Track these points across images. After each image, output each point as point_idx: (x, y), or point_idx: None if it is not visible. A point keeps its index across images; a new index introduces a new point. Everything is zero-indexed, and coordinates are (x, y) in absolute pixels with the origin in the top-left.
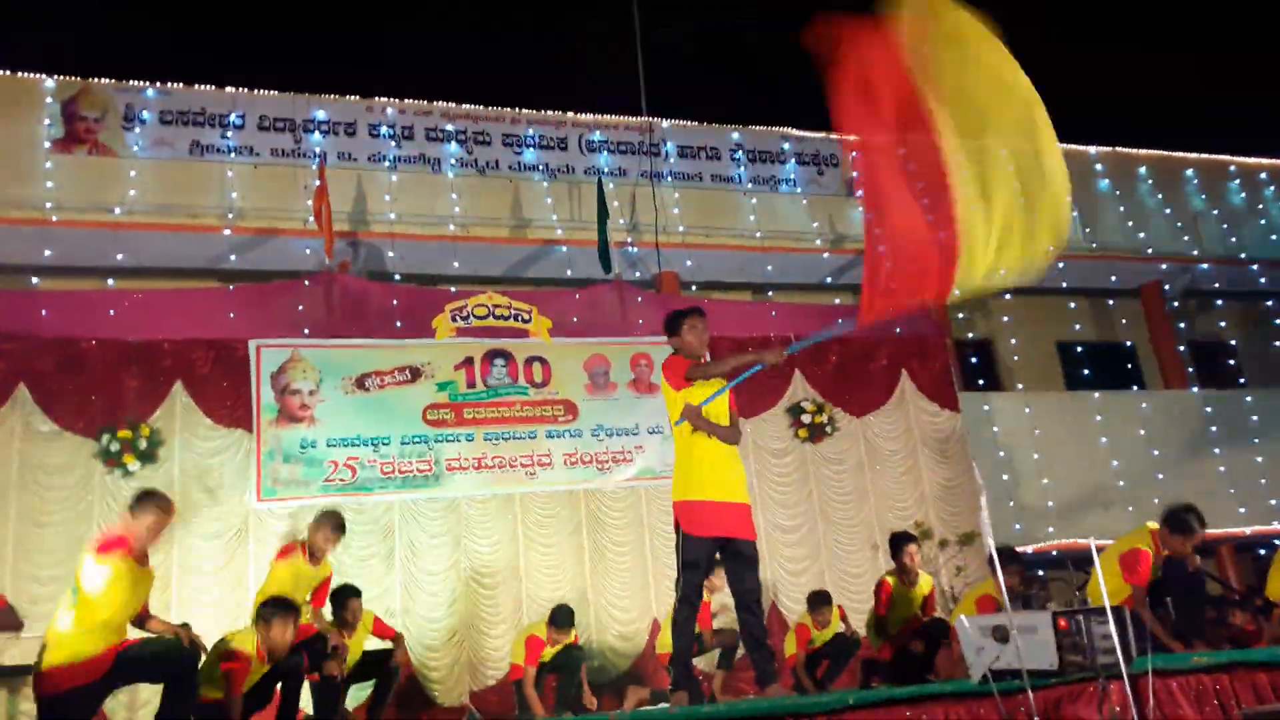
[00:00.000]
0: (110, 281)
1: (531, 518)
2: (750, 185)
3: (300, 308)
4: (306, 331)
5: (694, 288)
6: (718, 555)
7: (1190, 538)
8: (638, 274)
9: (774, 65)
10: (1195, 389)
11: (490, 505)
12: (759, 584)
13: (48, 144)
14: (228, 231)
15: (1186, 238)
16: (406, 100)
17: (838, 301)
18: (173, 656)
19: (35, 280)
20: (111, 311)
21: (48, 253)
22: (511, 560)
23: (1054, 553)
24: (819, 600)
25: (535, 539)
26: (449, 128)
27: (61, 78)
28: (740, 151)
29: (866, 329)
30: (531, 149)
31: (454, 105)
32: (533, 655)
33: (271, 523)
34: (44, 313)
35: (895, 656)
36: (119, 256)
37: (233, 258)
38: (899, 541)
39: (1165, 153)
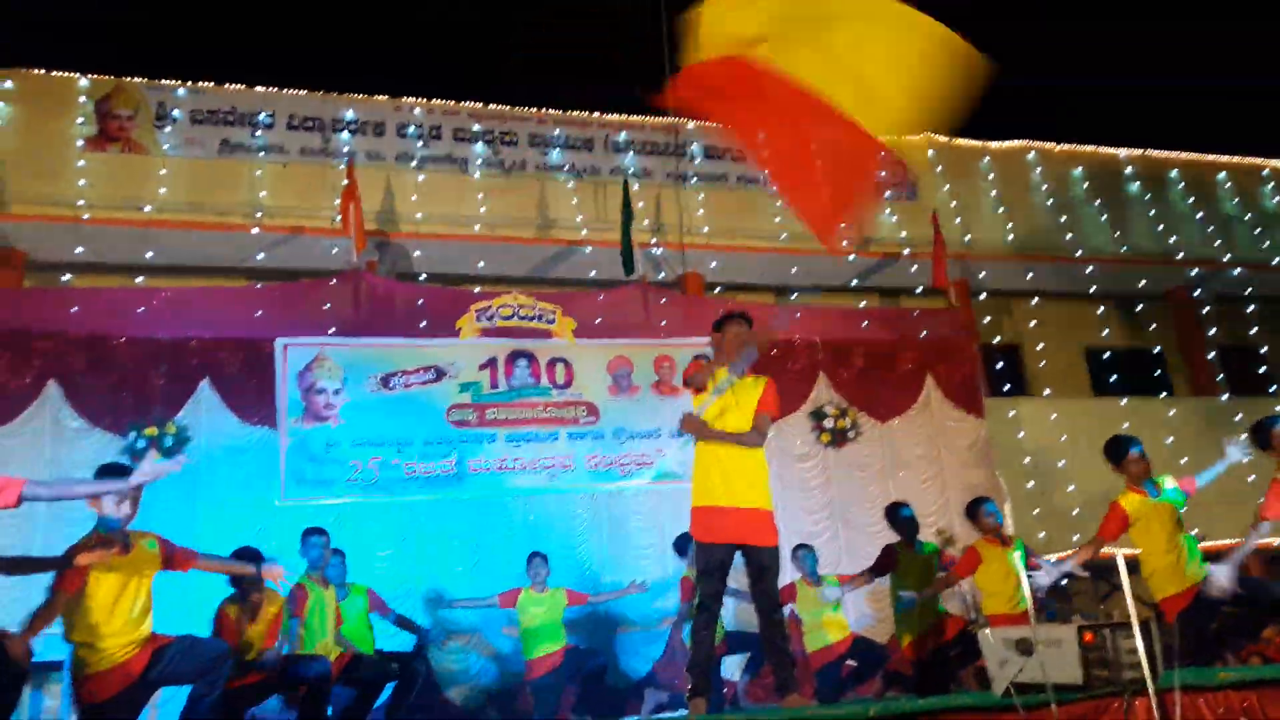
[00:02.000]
0: (140, 279)
1: (553, 520)
2: (776, 187)
3: (327, 306)
4: (332, 330)
5: (718, 289)
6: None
7: (1122, 463)
8: (662, 275)
9: None
10: (1225, 396)
11: (512, 507)
12: (778, 592)
13: (81, 142)
14: (256, 230)
15: (1218, 242)
16: (434, 100)
17: (863, 304)
18: (204, 657)
19: (66, 277)
20: (141, 309)
21: (79, 250)
22: None
23: None
24: (800, 550)
25: (556, 541)
26: (476, 128)
27: (95, 76)
28: None
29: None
30: (558, 149)
31: (481, 105)
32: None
33: (295, 521)
34: (74, 310)
35: (932, 656)
36: (149, 254)
37: (261, 256)
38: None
39: (1197, 155)
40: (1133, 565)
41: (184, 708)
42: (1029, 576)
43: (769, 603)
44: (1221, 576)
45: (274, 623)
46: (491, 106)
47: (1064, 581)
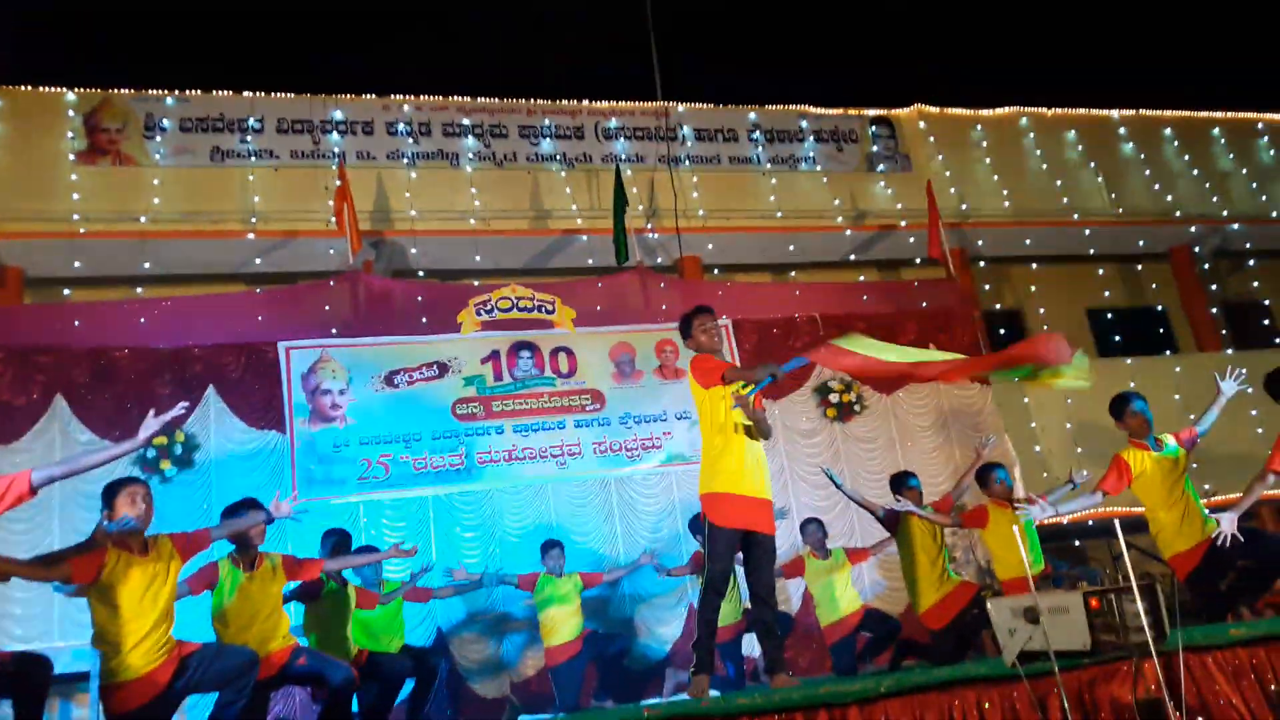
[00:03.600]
0: (139, 290)
1: (564, 507)
2: (769, 165)
3: (327, 308)
4: (334, 331)
5: (716, 271)
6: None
7: (1124, 419)
8: (659, 260)
9: (788, 44)
10: (1230, 350)
11: (523, 496)
12: (774, 578)
13: (72, 156)
14: (251, 235)
15: (1215, 198)
16: (423, 96)
17: (861, 278)
18: (231, 664)
19: (67, 292)
20: (141, 320)
21: (77, 264)
22: None
23: (1090, 523)
24: (809, 524)
25: (568, 528)
26: (465, 121)
27: (81, 90)
28: (758, 132)
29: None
30: (548, 139)
31: (470, 99)
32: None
33: (308, 522)
34: (76, 324)
35: (948, 622)
36: (146, 265)
37: (258, 261)
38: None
39: (1190, 113)
40: (1141, 524)
41: (211, 714)
42: (1024, 510)
43: (766, 589)
44: (1225, 523)
45: (277, 580)
46: (480, 100)
47: (1077, 542)
